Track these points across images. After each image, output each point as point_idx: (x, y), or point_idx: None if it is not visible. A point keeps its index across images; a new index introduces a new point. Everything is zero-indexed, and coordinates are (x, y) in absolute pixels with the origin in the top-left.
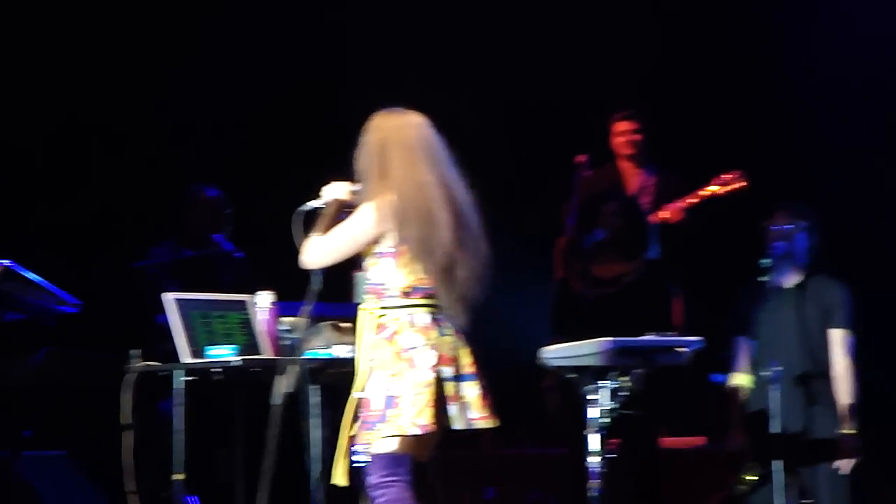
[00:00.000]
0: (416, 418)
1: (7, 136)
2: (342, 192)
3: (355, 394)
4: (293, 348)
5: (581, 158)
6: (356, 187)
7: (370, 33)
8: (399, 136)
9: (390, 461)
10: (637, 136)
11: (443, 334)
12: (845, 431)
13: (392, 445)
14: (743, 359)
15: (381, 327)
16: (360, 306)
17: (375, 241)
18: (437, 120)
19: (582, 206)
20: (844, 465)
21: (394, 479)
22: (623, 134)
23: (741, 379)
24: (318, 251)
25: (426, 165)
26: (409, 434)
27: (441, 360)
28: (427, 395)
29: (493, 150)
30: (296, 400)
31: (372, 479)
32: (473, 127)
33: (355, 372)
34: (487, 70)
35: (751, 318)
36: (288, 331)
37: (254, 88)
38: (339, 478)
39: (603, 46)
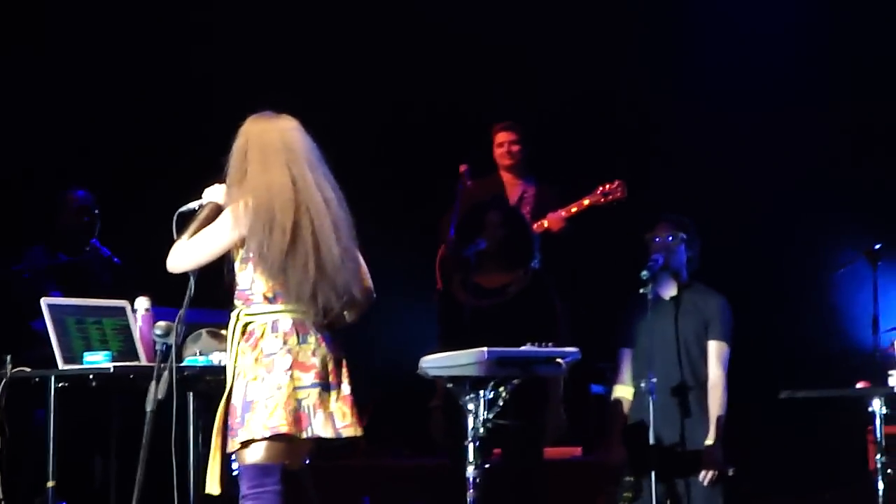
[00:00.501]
0: (268, 420)
1: None
2: (221, 195)
3: (223, 401)
4: (166, 353)
5: (463, 168)
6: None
7: (246, 37)
8: (260, 139)
9: (258, 471)
10: (516, 147)
11: (305, 341)
12: (709, 443)
13: (258, 454)
14: (625, 370)
15: (246, 334)
16: (231, 312)
17: (241, 246)
18: (317, 128)
19: (463, 215)
20: (706, 477)
21: (262, 489)
22: (502, 145)
23: (623, 391)
24: (180, 256)
25: (282, 168)
26: (260, 437)
27: (298, 366)
28: (280, 398)
29: (375, 159)
30: (166, 407)
31: (242, 489)
32: (355, 135)
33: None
34: (369, 77)
35: (632, 330)
36: (161, 335)
37: (129, 90)
38: (212, 486)
39: (485, 54)
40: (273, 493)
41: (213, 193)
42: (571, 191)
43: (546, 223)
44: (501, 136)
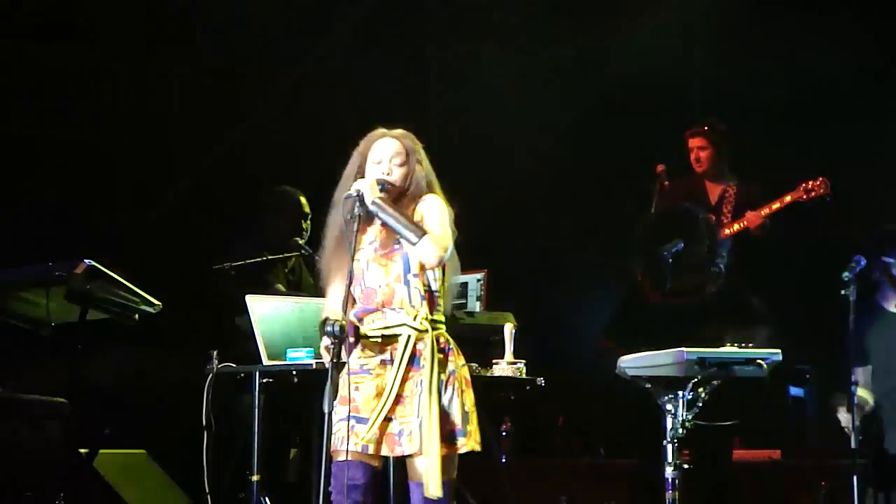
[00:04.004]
0: (477, 435)
1: (91, 141)
2: (369, 188)
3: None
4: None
5: (660, 168)
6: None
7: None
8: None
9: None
10: (704, 153)
11: None
12: None
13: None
14: (861, 377)
15: (440, 342)
16: (408, 313)
17: None
18: (511, 127)
19: (659, 216)
20: None
21: None
22: (692, 150)
23: (863, 393)
24: (446, 247)
25: None
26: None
27: None
28: (476, 415)
29: (572, 158)
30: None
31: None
32: (551, 133)
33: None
34: (568, 76)
35: (865, 347)
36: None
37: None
38: (436, 488)
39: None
40: None
41: (364, 187)
42: (776, 188)
43: (745, 222)
44: (690, 143)
